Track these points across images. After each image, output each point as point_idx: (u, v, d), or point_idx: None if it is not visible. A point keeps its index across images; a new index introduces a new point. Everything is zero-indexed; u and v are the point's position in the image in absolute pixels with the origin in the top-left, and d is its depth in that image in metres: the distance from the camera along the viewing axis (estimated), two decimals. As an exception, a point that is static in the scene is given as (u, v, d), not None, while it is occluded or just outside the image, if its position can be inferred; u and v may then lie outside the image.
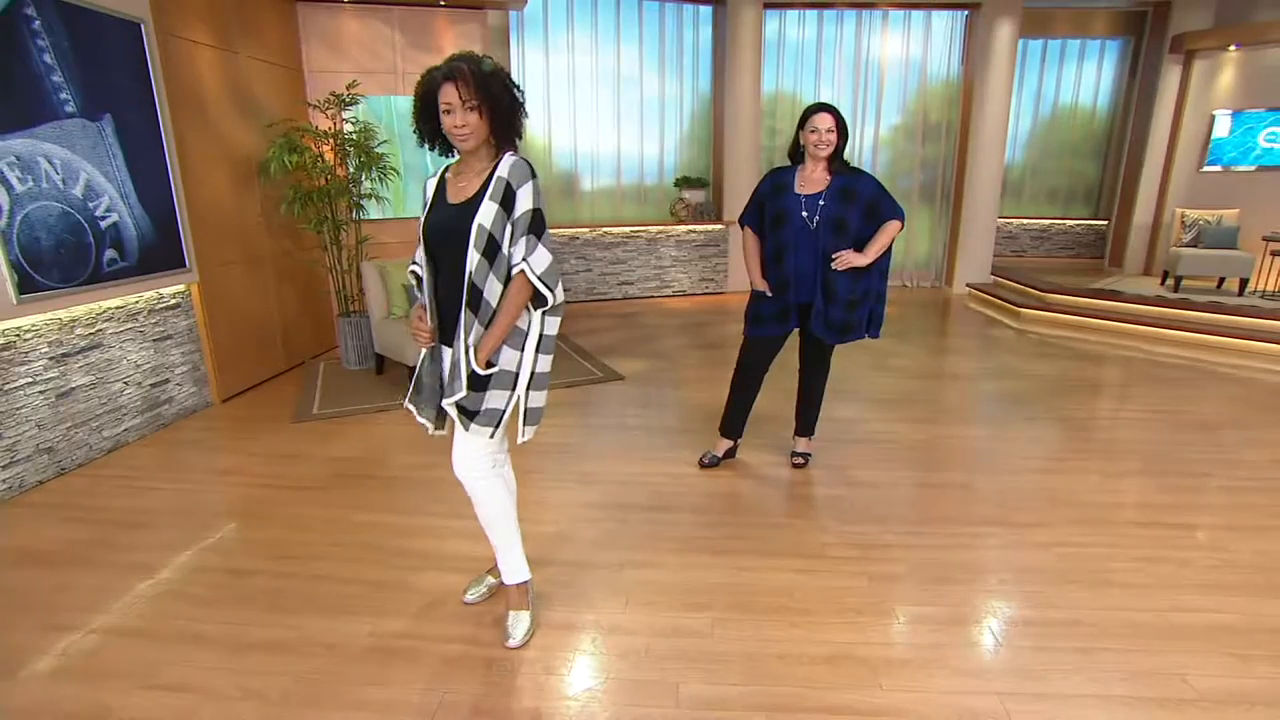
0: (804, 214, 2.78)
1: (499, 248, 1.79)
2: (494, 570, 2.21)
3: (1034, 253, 9.73)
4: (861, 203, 2.78)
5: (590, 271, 7.64)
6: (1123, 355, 5.37)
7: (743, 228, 3.00)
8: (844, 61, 7.98)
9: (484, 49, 5.74)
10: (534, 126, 7.25)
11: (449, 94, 1.72)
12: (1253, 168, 7.44)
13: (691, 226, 7.83)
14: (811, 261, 2.80)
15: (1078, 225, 9.62)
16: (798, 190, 2.81)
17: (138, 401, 3.63)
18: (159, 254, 3.70)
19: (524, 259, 1.80)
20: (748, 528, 2.71)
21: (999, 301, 7.14)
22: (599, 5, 7.30)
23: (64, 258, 3.15)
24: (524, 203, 1.79)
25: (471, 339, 1.81)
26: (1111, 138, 9.16)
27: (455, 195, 1.85)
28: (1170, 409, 4.09)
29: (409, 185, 5.46)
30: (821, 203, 2.76)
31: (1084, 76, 9.08)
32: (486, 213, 1.76)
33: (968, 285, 8.03)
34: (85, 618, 2.16)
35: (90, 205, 3.28)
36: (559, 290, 1.87)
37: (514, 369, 1.88)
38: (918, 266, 8.62)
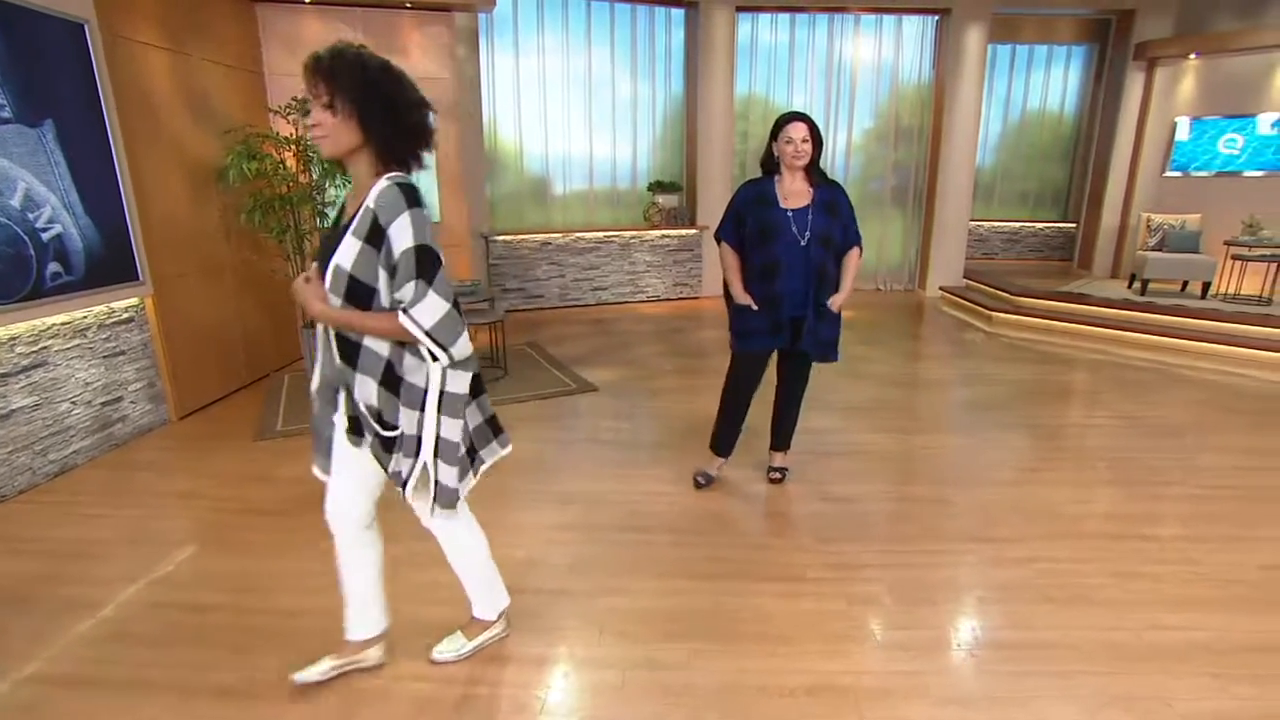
0: (794, 230, 2.72)
1: (372, 292, 1.49)
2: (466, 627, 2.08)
3: (1005, 255, 9.86)
4: (842, 217, 2.78)
5: (563, 277, 7.54)
6: (1091, 359, 5.44)
7: (720, 243, 2.90)
8: (816, 65, 7.99)
9: (451, 51, 5.62)
10: (505, 130, 7.12)
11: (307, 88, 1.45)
12: (1212, 173, 7.62)
13: (665, 231, 7.77)
14: (804, 277, 2.74)
15: (1047, 228, 9.77)
16: (783, 205, 2.74)
17: (87, 421, 3.46)
18: (108, 266, 3.52)
19: (406, 307, 1.48)
20: (725, 549, 2.65)
21: (971, 305, 7.19)
22: (569, 7, 7.20)
23: (1, 272, 2.97)
24: (401, 240, 1.44)
25: (361, 398, 1.58)
26: (1078, 142, 9.32)
27: (344, 219, 1.55)
28: (1137, 414, 4.13)
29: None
30: (811, 218, 2.72)
31: (1051, 81, 9.22)
32: (347, 251, 1.46)
33: (940, 289, 8.09)
34: (19, 665, 2.01)
35: (30, 216, 3.10)
36: (459, 346, 1.53)
37: (414, 432, 1.61)
38: (891, 270, 8.66)
